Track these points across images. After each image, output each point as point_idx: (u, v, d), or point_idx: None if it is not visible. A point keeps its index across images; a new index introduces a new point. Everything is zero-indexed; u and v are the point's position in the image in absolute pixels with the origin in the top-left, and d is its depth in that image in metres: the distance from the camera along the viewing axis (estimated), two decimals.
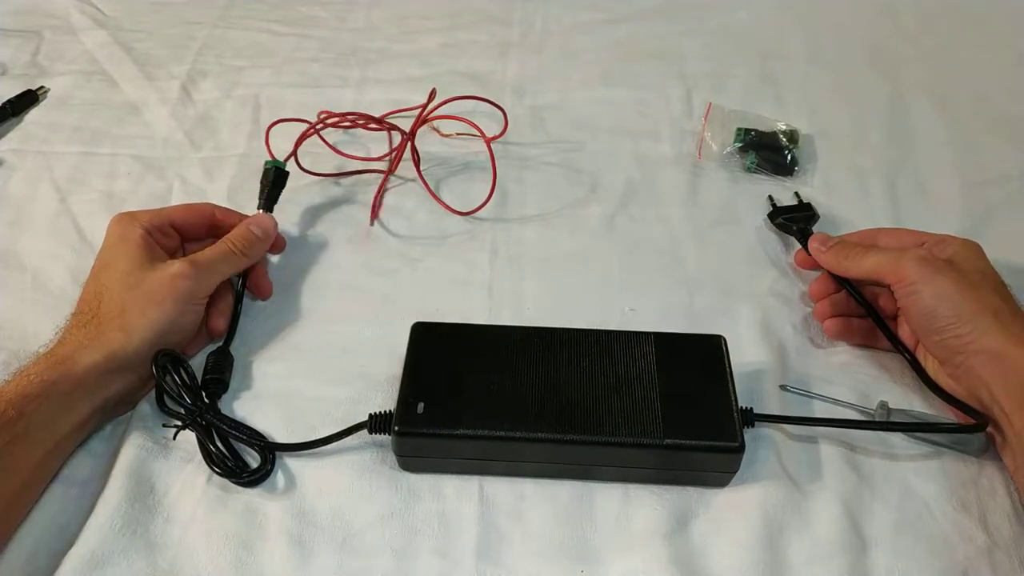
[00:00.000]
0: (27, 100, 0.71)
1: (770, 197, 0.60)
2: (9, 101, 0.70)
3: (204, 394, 0.47)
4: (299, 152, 0.61)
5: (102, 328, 0.45)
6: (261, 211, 0.55)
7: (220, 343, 0.51)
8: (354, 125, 0.64)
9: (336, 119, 0.62)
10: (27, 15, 0.81)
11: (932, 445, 0.46)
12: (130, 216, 0.50)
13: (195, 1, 0.83)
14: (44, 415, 0.42)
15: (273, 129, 0.68)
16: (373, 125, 0.62)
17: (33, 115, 0.70)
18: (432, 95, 0.62)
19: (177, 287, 0.46)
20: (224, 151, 0.67)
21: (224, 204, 0.61)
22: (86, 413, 0.44)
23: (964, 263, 0.46)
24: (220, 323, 0.51)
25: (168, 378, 0.46)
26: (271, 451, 0.45)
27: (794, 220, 0.57)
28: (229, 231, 0.52)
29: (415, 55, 0.76)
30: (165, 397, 0.46)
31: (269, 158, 0.58)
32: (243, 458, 0.45)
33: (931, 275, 0.45)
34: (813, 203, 0.60)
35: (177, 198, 0.62)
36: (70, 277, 0.55)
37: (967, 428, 0.44)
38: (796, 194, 0.61)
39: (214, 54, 0.77)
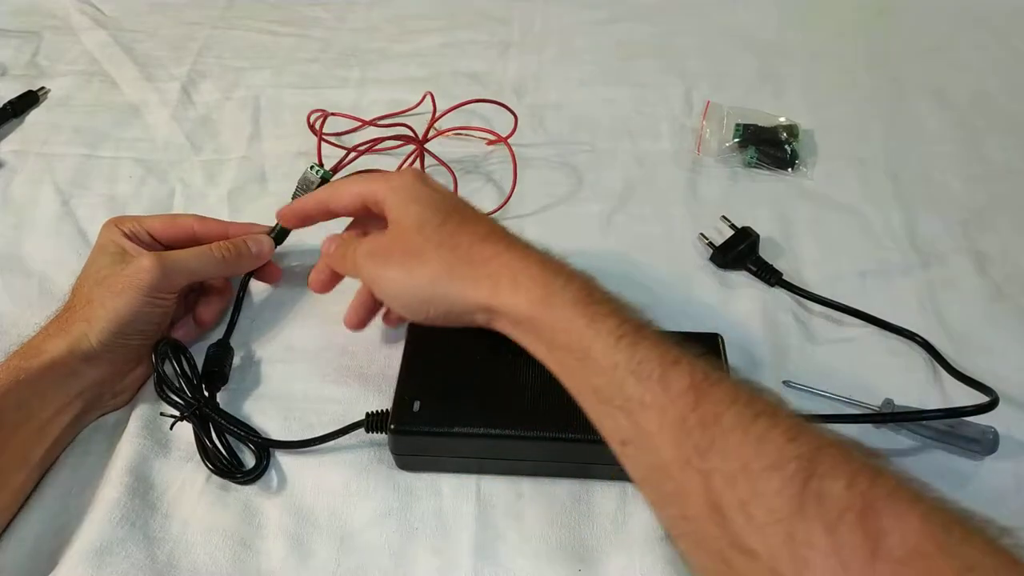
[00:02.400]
0: (28, 101, 0.71)
1: (702, 235, 0.58)
2: (10, 102, 0.70)
3: (203, 387, 0.48)
4: (300, 154, 0.61)
5: (70, 319, 0.46)
6: (268, 231, 0.54)
7: (221, 336, 0.51)
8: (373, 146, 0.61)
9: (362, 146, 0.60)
10: (27, 15, 0.81)
11: (939, 445, 0.46)
12: (116, 221, 0.51)
13: (195, 1, 0.83)
14: (15, 399, 0.42)
15: (273, 131, 0.68)
16: (389, 143, 0.61)
17: (34, 116, 0.71)
18: (434, 103, 0.61)
19: (139, 278, 0.46)
20: (224, 154, 0.67)
21: (224, 207, 0.62)
22: (62, 400, 0.45)
23: (403, 224, 0.42)
24: (206, 314, 0.52)
25: (168, 367, 0.46)
26: (266, 448, 0.46)
27: (741, 254, 0.56)
28: (209, 242, 0.52)
29: (415, 55, 0.76)
30: (164, 387, 0.46)
31: (316, 163, 0.55)
32: (239, 456, 0.46)
33: (375, 276, 0.43)
34: (816, 196, 0.60)
35: (179, 202, 0.63)
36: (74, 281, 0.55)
37: (978, 409, 0.44)
38: (724, 218, 0.58)
39: (214, 55, 0.77)
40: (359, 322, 0.50)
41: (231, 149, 0.67)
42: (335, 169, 0.56)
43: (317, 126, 0.61)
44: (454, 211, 0.43)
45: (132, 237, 0.50)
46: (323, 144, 0.59)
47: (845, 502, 0.28)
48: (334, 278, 0.50)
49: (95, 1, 0.83)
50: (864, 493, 0.28)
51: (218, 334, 0.52)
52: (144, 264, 0.46)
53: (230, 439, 0.46)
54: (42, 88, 0.72)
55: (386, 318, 0.52)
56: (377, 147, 0.60)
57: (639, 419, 0.34)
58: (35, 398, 0.44)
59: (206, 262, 0.50)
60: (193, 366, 0.48)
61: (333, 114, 0.64)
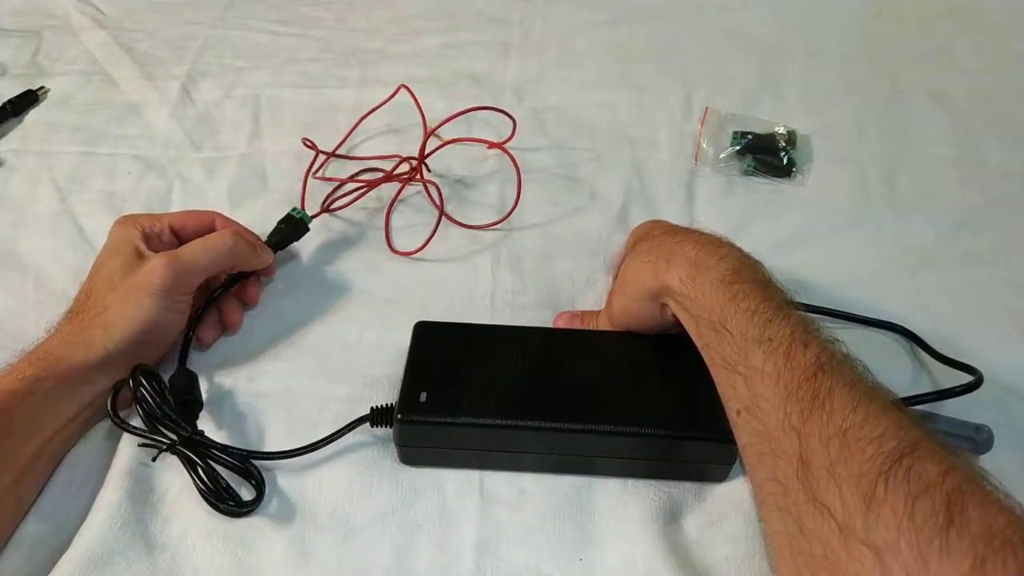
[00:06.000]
0: (27, 100, 0.71)
1: None
2: (9, 101, 0.70)
3: (184, 416, 0.44)
4: (301, 153, 0.61)
5: (86, 325, 0.45)
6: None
7: (177, 365, 0.49)
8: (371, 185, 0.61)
9: (355, 189, 0.60)
10: (27, 15, 0.81)
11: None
12: (131, 219, 0.50)
13: (195, 1, 0.83)
14: (27, 411, 0.42)
15: (273, 129, 0.68)
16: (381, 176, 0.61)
17: (33, 115, 0.71)
18: (418, 106, 0.62)
19: (153, 283, 0.46)
20: (224, 151, 0.67)
21: (224, 203, 0.62)
22: (73, 409, 0.44)
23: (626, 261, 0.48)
24: (235, 316, 0.52)
25: (147, 400, 0.43)
26: (263, 478, 0.43)
27: None
28: None
29: (415, 55, 0.77)
30: (139, 418, 0.43)
31: (299, 207, 0.57)
32: (231, 488, 0.43)
33: (607, 314, 0.49)
34: (811, 203, 0.60)
35: (177, 197, 0.63)
36: (71, 277, 0.55)
37: (966, 388, 0.45)
38: None
39: (214, 54, 0.77)
40: None
41: (231, 146, 0.67)
42: (324, 210, 0.59)
43: (309, 164, 0.62)
44: (647, 232, 0.48)
45: (152, 237, 0.49)
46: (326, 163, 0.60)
47: (935, 483, 0.28)
48: None
49: (95, 1, 0.83)
50: (957, 484, 0.28)
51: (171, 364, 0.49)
52: (156, 266, 0.46)
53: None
54: (41, 87, 0.72)
55: None
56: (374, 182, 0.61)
57: (756, 386, 0.35)
58: (48, 410, 0.43)
59: (216, 252, 0.49)
60: (167, 393, 0.44)
61: (327, 153, 0.64)
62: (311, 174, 0.61)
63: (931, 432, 0.32)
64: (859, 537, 0.28)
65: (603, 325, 0.50)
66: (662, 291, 0.43)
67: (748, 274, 0.40)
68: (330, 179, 0.63)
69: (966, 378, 0.46)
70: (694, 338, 0.42)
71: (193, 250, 0.48)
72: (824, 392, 0.33)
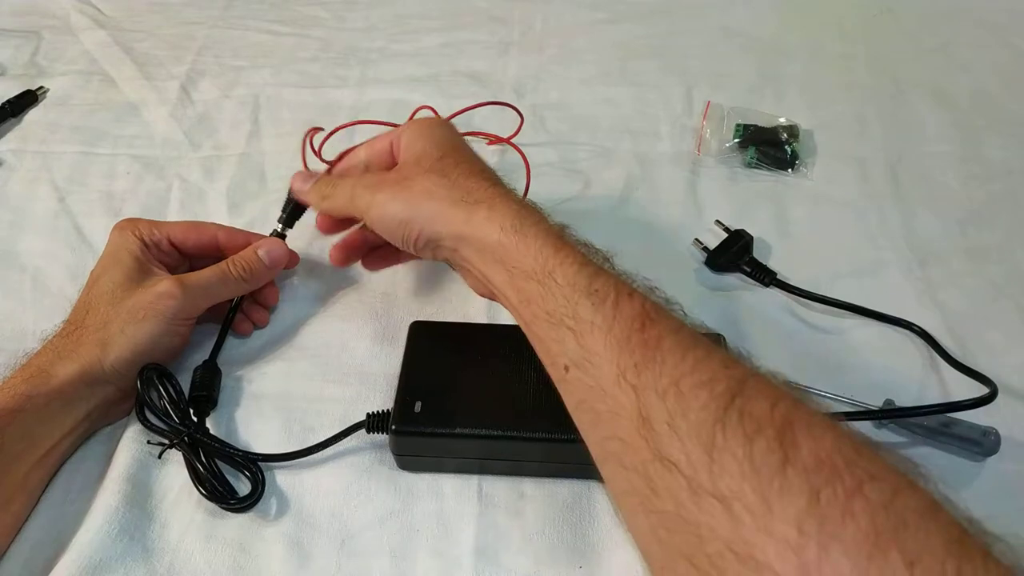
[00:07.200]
0: (26, 100, 0.71)
1: (696, 240, 0.57)
2: (8, 101, 0.70)
3: (192, 412, 0.46)
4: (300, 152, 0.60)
5: (82, 340, 0.44)
6: (275, 232, 0.52)
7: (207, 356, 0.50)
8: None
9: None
10: (27, 15, 0.81)
11: (939, 446, 0.46)
12: (131, 224, 0.49)
13: (195, 1, 0.83)
14: (19, 428, 0.41)
15: (273, 129, 0.68)
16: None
17: (32, 115, 0.70)
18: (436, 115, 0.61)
19: (161, 306, 0.45)
20: (223, 151, 0.67)
21: (223, 203, 0.61)
22: (68, 425, 0.44)
23: (406, 158, 0.45)
24: (263, 316, 0.52)
25: (154, 394, 0.44)
26: (261, 475, 0.44)
27: (735, 256, 0.56)
28: (232, 253, 0.51)
29: (415, 55, 0.76)
30: (149, 414, 0.44)
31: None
32: (231, 484, 0.44)
33: (367, 203, 0.44)
34: (815, 196, 0.60)
35: (176, 197, 0.62)
36: (68, 277, 0.55)
37: (978, 401, 0.44)
38: (718, 222, 0.58)
39: (213, 54, 0.77)
40: (343, 259, 0.52)
41: (230, 146, 0.67)
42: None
43: (314, 142, 0.60)
44: (455, 150, 0.45)
45: (151, 246, 0.49)
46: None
47: (766, 419, 0.29)
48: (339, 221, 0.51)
49: (95, 1, 0.83)
50: (784, 414, 0.29)
51: (203, 354, 0.50)
52: (168, 290, 0.46)
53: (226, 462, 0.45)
54: (40, 88, 0.72)
55: (366, 260, 0.52)
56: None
57: (587, 340, 0.35)
58: (40, 427, 0.42)
59: (227, 284, 0.49)
60: (180, 391, 0.46)
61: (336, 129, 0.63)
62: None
63: (755, 366, 0.32)
64: (707, 489, 0.28)
65: (356, 200, 0.45)
66: (462, 237, 0.41)
67: (570, 234, 0.41)
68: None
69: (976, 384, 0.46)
70: (505, 291, 0.40)
71: (204, 279, 0.48)
72: (654, 341, 0.33)
